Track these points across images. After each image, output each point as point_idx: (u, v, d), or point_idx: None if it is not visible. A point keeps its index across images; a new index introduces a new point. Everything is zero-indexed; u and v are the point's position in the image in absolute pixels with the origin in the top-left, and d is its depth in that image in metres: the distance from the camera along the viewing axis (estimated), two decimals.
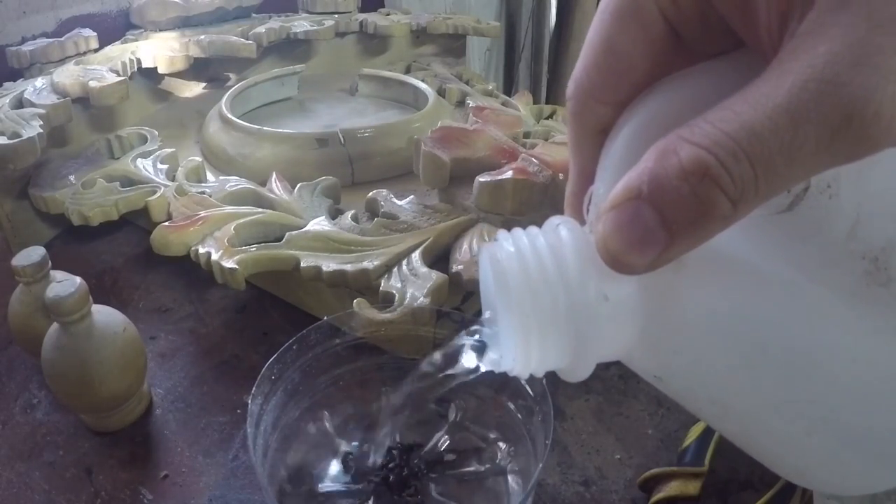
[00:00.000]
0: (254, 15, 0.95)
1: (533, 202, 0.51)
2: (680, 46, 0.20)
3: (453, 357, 0.26)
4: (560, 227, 0.20)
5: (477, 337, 0.24)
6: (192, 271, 0.54)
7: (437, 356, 0.27)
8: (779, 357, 0.19)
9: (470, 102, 0.74)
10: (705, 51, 0.20)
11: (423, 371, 0.28)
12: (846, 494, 0.22)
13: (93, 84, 0.65)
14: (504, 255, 0.20)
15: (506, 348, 0.21)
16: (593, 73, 0.21)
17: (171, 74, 0.81)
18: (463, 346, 0.25)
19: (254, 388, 0.36)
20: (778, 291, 0.19)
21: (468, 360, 0.25)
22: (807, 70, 0.15)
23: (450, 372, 0.27)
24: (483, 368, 0.24)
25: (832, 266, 0.18)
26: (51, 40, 0.79)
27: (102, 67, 0.71)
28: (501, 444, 0.40)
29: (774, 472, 0.23)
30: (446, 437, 0.41)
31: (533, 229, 0.21)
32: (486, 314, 0.23)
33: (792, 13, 0.16)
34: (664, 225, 0.16)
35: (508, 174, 0.51)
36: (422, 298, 0.43)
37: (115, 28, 0.89)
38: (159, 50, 0.78)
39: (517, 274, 0.19)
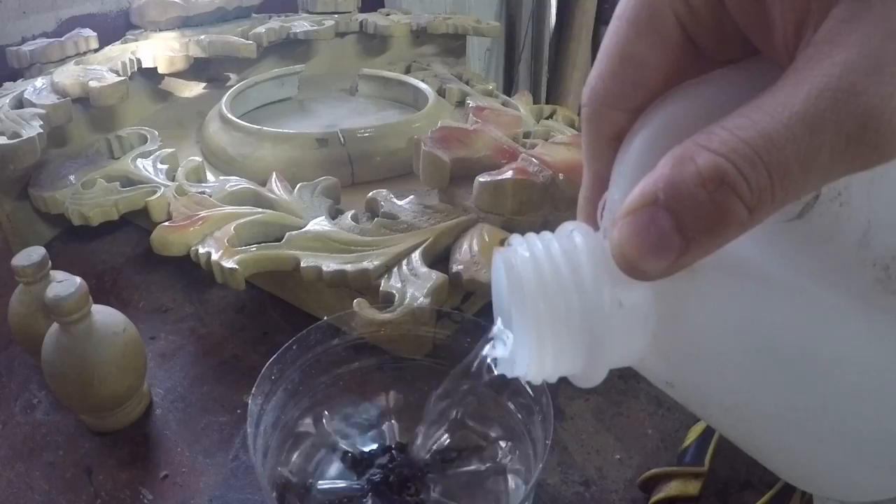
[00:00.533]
0: (254, 15, 0.95)
1: (533, 202, 0.51)
2: (695, 54, 0.20)
3: (478, 366, 0.26)
4: (574, 233, 0.20)
5: (491, 341, 0.24)
6: (192, 271, 0.54)
7: (467, 366, 0.27)
8: (790, 364, 0.19)
9: (470, 102, 0.74)
10: (720, 58, 0.20)
11: (459, 377, 0.28)
12: (852, 500, 0.22)
13: (93, 84, 0.65)
14: (519, 260, 0.20)
15: (519, 353, 0.21)
16: (608, 79, 0.21)
17: (171, 74, 0.81)
18: (485, 355, 0.25)
19: (254, 388, 0.36)
20: (789, 299, 0.19)
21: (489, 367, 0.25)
22: (822, 79, 0.15)
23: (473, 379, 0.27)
24: (496, 372, 0.24)
25: (843, 274, 0.18)
26: (51, 40, 0.78)
27: (102, 67, 0.71)
28: (502, 443, 0.40)
29: (782, 478, 0.23)
30: (446, 435, 0.41)
31: (547, 234, 0.20)
32: (499, 319, 0.23)
33: (807, 22, 0.16)
34: (680, 230, 0.16)
35: (508, 174, 0.51)
36: (422, 298, 0.43)
37: (115, 28, 0.89)
38: (159, 50, 0.78)
39: (532, 279, 0.19)
